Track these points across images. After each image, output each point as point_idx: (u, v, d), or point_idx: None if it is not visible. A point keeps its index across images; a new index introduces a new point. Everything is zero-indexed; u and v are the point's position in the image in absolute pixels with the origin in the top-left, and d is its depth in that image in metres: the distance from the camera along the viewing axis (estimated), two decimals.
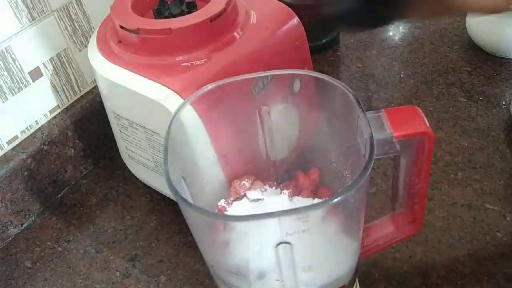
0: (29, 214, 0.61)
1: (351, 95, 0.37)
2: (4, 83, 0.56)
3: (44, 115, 0.62)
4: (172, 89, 0.46)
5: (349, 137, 0.40)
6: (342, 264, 0.40)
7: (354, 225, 0.39)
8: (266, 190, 0.45)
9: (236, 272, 0.38)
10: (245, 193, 0.44)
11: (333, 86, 0.39)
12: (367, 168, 0.33)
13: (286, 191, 0.43)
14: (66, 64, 0.62)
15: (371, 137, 0.34)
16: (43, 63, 0.59)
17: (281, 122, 0.45)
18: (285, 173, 0.48)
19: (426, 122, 0.37)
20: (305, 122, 0.47)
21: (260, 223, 0.33)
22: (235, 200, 0.44)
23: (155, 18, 0.52)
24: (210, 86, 0.41)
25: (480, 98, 0.68)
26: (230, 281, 0.39)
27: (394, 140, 0.36)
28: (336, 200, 0.32)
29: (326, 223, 0.36)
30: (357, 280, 0.46)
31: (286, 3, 0.55)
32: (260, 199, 0.43)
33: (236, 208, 0.43)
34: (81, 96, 0.65)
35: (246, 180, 0.45)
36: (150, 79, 0.47)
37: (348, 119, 0.38)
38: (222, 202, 0.44)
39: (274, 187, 0.45)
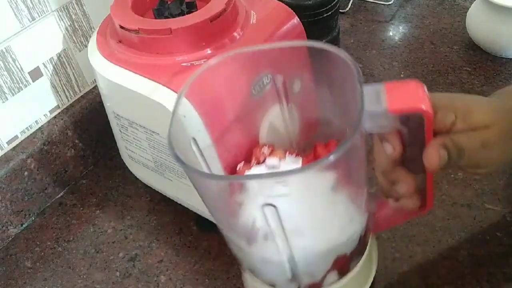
0: (29, 214, 0.61)
1: (352, 65, 0.36)
2: (4, 83, 0.56)
3: (44, 115, 0.62)
4: (172, 89, 0.46)
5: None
6: (338, 232, 0.40)
7: (347, 192, 0.39)
8: (285, 158, 0.46)
9: (241, 233, 0.40)
10: (265, 159, 0.45)
11: (339, 58, 0.38)
12: (355, 133, 0.33)
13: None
14: (66, 64, 0.62)
15: (361, 97, 0.33)
16: (43, 63, 0.59)
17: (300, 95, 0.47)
18: (305, 142, 0.49)
19: (427, 99, 0.36)
20: (321, 97, 0.47)
21: (243, 184, 0.35)
22: (254, 165, 0.45)
23: (155, 18, 0.52)
24: (200, 71, 0.41)
25: None
26: (235, 241, 0.41)
27: (389, 114, 0.35)
28: (311, 167, 0.33)
29: (308, 189, 0.36)
30: (375, 249, 0.47)
31: (286, 3, 0.55)
32: (276, 166, 0.44)
33: (254, 172, 0.44)
34: (81, 96, 0.65)
35: (266, 147, 0.46)
36: (150, 79, 0.47)
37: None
38: (241, 165, 0.46)
39: (294, 155, 0.46)
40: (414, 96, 0.36)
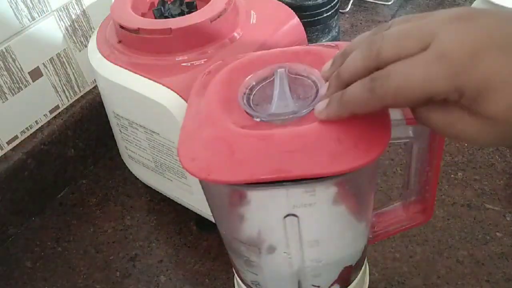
0: (29, 214, 0.61)
1: None
2: (4, 83, 0.56)
3: (44, 115, 0.62)
4: (172, 89, 0.46)
5: None
6: (349, 244, 0.41)
7: (362, 206, 0.40)
8: None
9: (248, 243, 0.39)
10: None
11: None
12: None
13: None
14: (66, 64, 0.62)
15: None
16: (43, 63, 0.59)
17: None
18: None
19: None
20: None
21: (269, 193, 0.34)
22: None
23: (155, 18, 0.52)
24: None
25: None
26: (240, 251, 0.40)
27: (407, 124, 0.36)
28: (342, 175, 0.32)
29: (333, 200, 0.37)
30: (366, 262, 0.47)
31: (286, 3, 0.55)
32: None
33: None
34: (81, 96, 0.65)
35: None
36: (150, 79, 0.47)
37: None
38: None
39: None
40: None
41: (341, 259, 0.41)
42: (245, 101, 0.34)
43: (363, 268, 0.45)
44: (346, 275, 0.42)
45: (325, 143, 0.30)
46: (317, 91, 0.34)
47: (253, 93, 0.35)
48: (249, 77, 0.36)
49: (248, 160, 0.30)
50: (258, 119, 0.33)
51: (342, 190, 0.37)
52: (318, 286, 0.42)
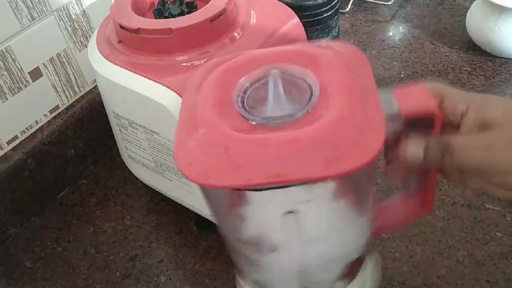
0: (29, 214, 0.61)
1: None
2: (4, 83, 0.56)
3: (44, 115, 0.62)
4: (172, 89, 0.46)
5: None
6: (351, 239, 0.41)
7: (362, 201, 0.40)
8: None
9: (249, 243, 0.39)
10: None
11: None
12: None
13: None
14: (66, 64, 0.62)
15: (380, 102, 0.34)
16: (43, 63, 0.59)
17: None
18: None
19: (435, 102, 0.37)
20: None
21: (266, 192, 0.33)
22: None
23: (155, 18, 0.52)
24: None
25: None
26: (242, 251, 0.40)
27: (403, 118, 0.36)
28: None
29: (332, 196, 0.37)
30: (378, 257, 0.47)
31: (286, 3, 0.55)
32: None
33: None
34: (81, 96, 0.65)
35: None
36: (150, 79, 0.47)
37: None
38: None
39: None
40: (423, 99, 0.37)
41: (343, 255, 0.41)
42: (239, 103, 0.34)
43: (369, 263, 0.45)
44: (349, 271, 0.42)
45: (320, 148, 0.30)
46: (312, 94, 0.34)
47: (247, 95, 0.35)
48: (243, 78, 0.35)
49: (245, 165, 0.30)
50: (253, 122, 0.33)
51: (340, 185, 0.37)
52: (321, 283, 0.42)
